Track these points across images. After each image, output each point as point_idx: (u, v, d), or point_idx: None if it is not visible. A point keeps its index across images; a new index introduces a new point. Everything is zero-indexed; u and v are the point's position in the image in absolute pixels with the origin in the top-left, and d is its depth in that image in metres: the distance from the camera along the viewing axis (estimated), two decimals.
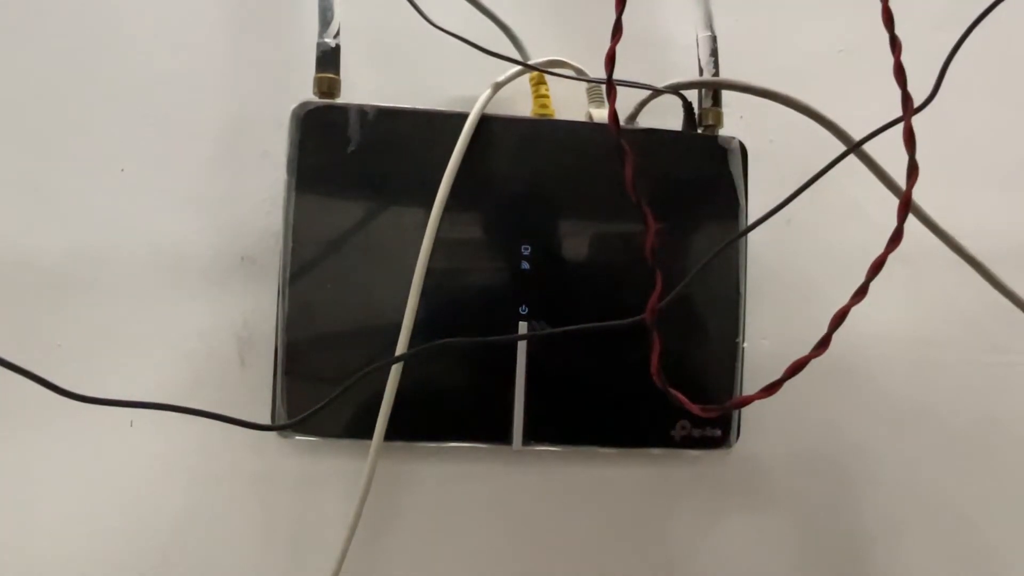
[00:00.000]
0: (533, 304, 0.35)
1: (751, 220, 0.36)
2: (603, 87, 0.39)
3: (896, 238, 0.23)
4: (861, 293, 0.23)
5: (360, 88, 0.37)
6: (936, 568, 0.42)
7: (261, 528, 0.37)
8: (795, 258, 0.42)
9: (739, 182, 0.38)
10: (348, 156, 0.35)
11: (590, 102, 0.40)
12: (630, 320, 0.28)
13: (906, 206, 0.22)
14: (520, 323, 0.35)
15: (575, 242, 0.36)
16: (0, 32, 0.37)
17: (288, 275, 0.34)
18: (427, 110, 0.36)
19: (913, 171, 0.23)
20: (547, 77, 0.38)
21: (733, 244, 0.37)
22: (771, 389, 0.23)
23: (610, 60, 0.24)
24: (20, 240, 0.36)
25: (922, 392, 0.42)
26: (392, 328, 0.34)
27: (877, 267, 0.23)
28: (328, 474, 0.37)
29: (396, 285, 0.34)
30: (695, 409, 0.24)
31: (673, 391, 0.23)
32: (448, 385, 0.36)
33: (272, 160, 0.37)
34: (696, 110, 0.39)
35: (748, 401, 0.23)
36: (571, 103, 0.40)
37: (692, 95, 0.39)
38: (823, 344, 0.23)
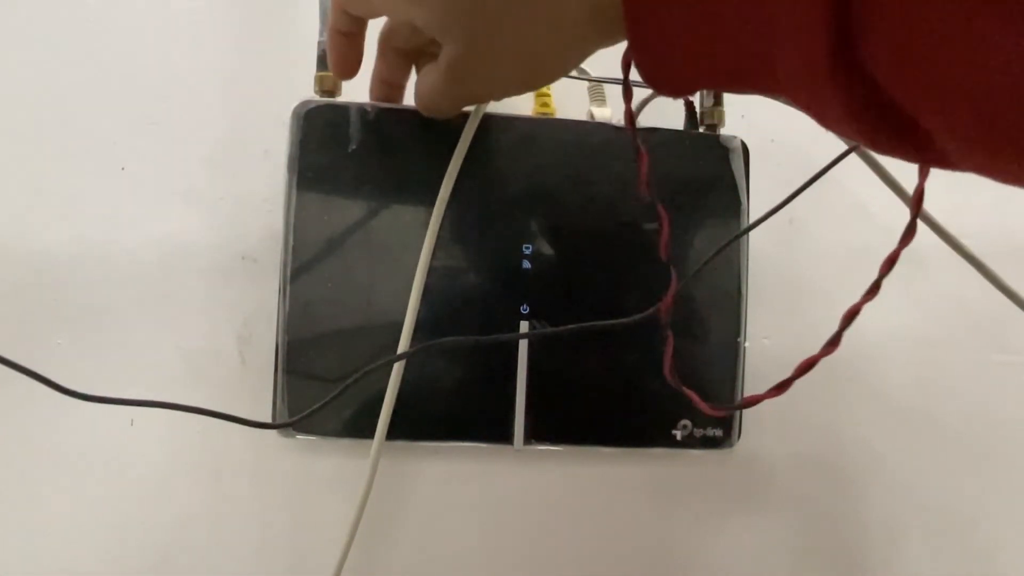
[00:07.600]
0: (534, 303, 0.35)
1: (753, 219, 0.36)
2: (604, 85, 0.39)
3: (909, 233, 0.22)
4: (873, 291, 0.23)
5: (361, 87, 0.37)
6: (937, 568, 0.42)
7: (261, 528, 0.37)
8: (797, 257, 0.41)
9: (741, 181, 0.37)
10: (349, 155, 0.35)
11: (591, 101, 0.39)
12: (635, 317, 0.28)
13: (919, 200, 0.22)
14: (521, 322, 0.35)
15: (576, 241, 0.36)
16: (1, 32, 0.37)
17: (289, 274, 0.34)
18: None
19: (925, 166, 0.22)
20: None
21: (735, 243, 0.37)
22: (781, 388, 0.23)
23: (627, 64, 0.24)
24: (20, 239, 0.36)
25: (924, 392, 0.42)
26: (393, 327, 0.34)
27: (890, 263, 0.22)
28: (329, 474, 0.37)
29: (397, 284, 0.34)
30: (706, 408, 0.23)
31: (687, 389, 0.23)
32: (449, 385, 0.36)
33: (273, 159, 0.37)
34: (698, 109, 0.39)
35: (758, 400, 0.23)
36: (572, 102, 0.40)
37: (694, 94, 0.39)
38: (833, 342, 0.23)
